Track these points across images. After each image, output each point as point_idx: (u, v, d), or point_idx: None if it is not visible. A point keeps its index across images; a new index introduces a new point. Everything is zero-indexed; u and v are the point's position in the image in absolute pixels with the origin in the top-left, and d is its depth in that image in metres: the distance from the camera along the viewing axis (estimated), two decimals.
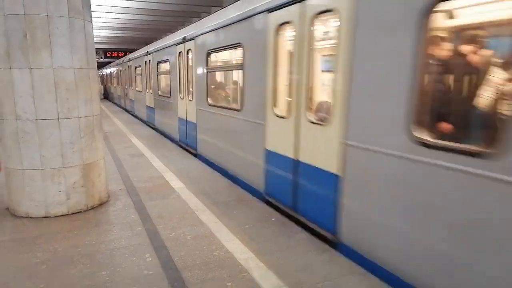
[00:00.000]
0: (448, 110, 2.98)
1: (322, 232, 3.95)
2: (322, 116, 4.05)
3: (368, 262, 3.32)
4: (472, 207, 2.43)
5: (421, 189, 2.76)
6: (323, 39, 4.26)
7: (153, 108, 12.62)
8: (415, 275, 2.88)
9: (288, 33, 4.46)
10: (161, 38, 13.37)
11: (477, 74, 2.91)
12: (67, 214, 4.44)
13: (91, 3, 4.63)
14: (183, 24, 17.66)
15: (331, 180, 3.71)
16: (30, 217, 4.36)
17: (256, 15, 4.99)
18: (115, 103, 26.40)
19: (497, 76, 2.69)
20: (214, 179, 6.11)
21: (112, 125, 13.48)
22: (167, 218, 4.36)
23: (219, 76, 7.81)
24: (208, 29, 6.89)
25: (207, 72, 7.12)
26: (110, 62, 30.49)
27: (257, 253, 3.50)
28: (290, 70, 4.40)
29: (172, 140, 10.21)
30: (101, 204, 4.80)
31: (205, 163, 7.36)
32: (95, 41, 4.75)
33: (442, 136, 2.75)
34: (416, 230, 2.84)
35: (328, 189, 3.78)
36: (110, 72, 28.88)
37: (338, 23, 3.52)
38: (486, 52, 2.87)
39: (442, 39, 2.96)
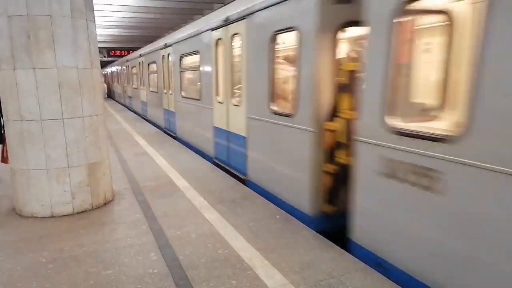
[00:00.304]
0: (280, 93, 4.96)
1: (240, 175, 5.95)
2: (238, 100, 5.97)
3: (261, 190, 5.25)
4: (289, 143, 4.50)
5: (276, 138, 4.78)
6: (237, 51, 6.06)
7: (146, 102, 14.76)
8: (277, 190, 4.86)
9: (221, 46, 6.49)
10: (164, 36, 13.53)
11: (285, 74, 4.95)
12: (72, 214, 4.48)
13: (94, 2, 4.63)
14: (186, 22, 17.64)
15: (243, 141, 5.77)
16: (36, 217, 4.40)
17: (206, 31, 7.10)
18: (117, 101, 26.67)
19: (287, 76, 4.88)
20: (219, 177, 6.12)
21: (115, 123, 13.54)
22: (172, 217, 4.39)
23: (188, 74, 9.41)
24: (181, 38, 8.91)
25: (180, 71, 9.18)
26: (113, 61, 30.63)
27: (262, 251, 3.51)
28: (223, 70, 6.43)
29: (159, 128, 12.25)
30: (106, 203, 4.83)
31: (182, 143, 9.29)
32: (98, 40, 4.76)
33: (280, 108, 4.77)
34: (274, 162, 4.89)
35: (241, 147, 5.85)
36: (112, 71, 29.79)
37: (241, 41, 5.56)
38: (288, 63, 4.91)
39: (279, 54, 4.89)
